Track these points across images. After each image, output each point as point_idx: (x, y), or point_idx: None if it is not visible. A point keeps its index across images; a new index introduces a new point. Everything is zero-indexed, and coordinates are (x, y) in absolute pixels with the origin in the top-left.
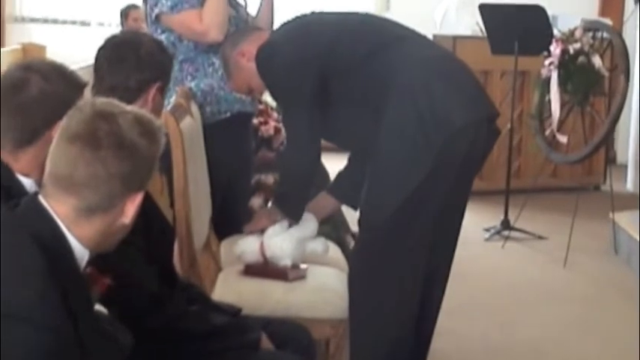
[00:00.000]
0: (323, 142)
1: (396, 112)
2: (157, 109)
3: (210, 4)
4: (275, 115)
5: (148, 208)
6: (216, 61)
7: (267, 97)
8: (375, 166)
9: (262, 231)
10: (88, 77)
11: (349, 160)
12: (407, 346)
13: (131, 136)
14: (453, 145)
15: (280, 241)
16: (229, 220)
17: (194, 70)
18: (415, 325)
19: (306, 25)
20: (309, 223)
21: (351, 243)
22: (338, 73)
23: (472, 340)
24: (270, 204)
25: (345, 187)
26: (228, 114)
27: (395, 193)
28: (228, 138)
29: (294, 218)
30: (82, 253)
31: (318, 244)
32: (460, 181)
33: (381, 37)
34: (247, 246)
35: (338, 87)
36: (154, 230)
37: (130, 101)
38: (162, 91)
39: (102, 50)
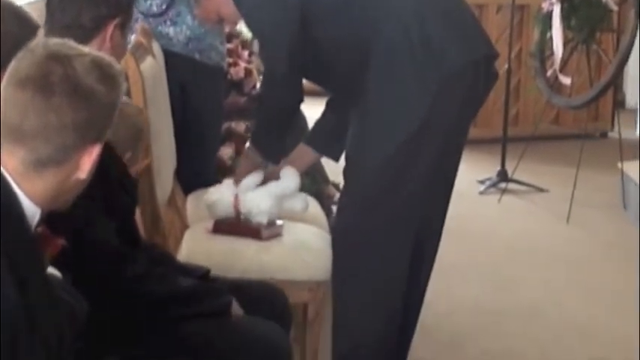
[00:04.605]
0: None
1: (386, 52)
2: (118, 50)
3: None
4: (245, 55)
5: (106, 157)
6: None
7: (243, 28)
8: (363, 111)
9: (238, 181)
10: (38, 14)
11: (328, 105)
12: (397, 311)
13: (88, 81)
14: (449, 88)
15: (258, 197)
16: (196, 172)
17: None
18: (406, 288)
19: None
20: (290, 179)
21: (334, 196)
22: (321, 12)
23: (466, 302)
24: (247, 145)
25: (325, 137)
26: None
27: (386, 140)
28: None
29: (273, 160)
30: (32, 211)
31: (297, 202)
32: (455, 128)
33: None
34: (220, 196)
35: (321, 26)
36: (112, 182)
37: (85, 41)
38: (123, 29)
39: None
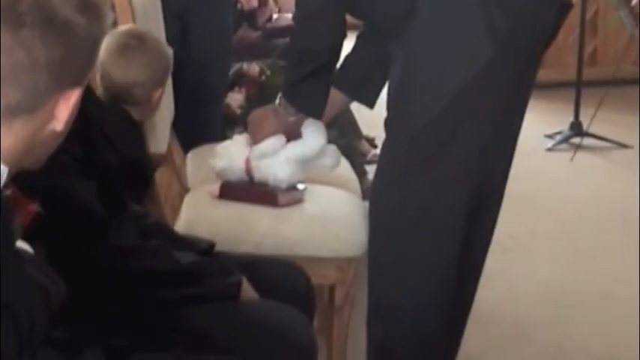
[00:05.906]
0: None
1: None
2: None
3: None
4: None
5: (89, 102)
6: None
7: None
8: (410, 49)
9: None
10: None
11: (359, 39)
12: (446, 295)
13: (64, 12)
14: (517, 28)
15: (275, 164)
16: (199, 123)
17: None
18: (457, 266)
19: None
20: (313, 137)
21: (369, 153)
22: None
23: (530, 285)
24: (279, 98)
25: (356, 78)
26: None
27: (439, 87)
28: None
29: (312, 114)
30: None
31: (326, 157)
32: (521, 75)
33: None
34: (229, 163)
35: None
36: (95, 135)
37: None
38: None
39: None
